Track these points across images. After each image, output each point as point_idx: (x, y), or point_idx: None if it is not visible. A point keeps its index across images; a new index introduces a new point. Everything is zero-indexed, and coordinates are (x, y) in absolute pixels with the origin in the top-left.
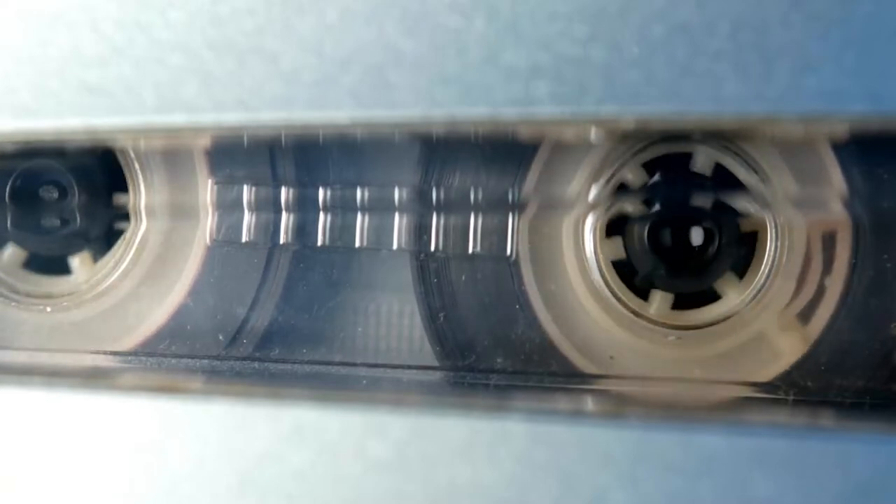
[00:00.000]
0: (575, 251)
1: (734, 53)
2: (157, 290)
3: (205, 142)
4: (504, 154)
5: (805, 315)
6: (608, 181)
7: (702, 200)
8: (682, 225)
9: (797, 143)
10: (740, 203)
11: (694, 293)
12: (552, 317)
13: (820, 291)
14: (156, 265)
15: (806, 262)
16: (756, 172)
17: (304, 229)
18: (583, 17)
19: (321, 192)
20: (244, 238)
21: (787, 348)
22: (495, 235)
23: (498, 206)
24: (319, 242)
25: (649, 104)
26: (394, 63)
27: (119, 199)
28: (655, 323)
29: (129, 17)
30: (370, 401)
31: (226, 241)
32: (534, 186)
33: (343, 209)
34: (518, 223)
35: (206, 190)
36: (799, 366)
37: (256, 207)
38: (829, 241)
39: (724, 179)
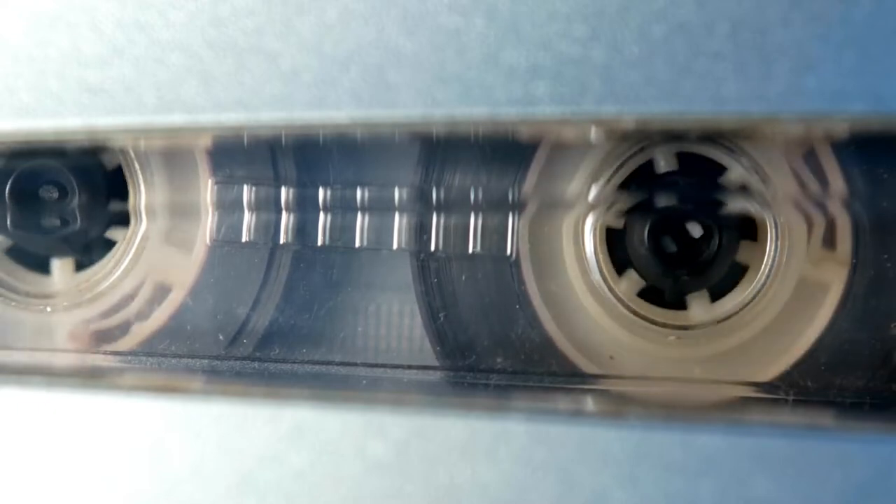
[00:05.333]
0: (575, 251)
1: (734, 53)
2: (157, 289)
3: (205, 142)
4: (504, 154)
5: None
6: (608, 181)
7: (700, 201)
8: (684, 228)
9: (797, 142)
10: (740, 203)
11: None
12: (552, 316)
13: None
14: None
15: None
16: (756, 172)
17: (304, 229)
18: (583, 17)
19: (321, 192)
20: (244, 238)
21: (831, 279)
22: (495, 235)
23: (498, 206)
24: (320, 242)
25: (649, 104)
26: (394, 63)
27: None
28: (655, 323)
29: (129, 17)
30: (370, 401)
31: (226, 240)
32: (534, 186)
33: (343, 209)
34: (518, 223)
35: (207, 190)
36: (799, 366)
37: (257, 207)
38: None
39: (723, 179)
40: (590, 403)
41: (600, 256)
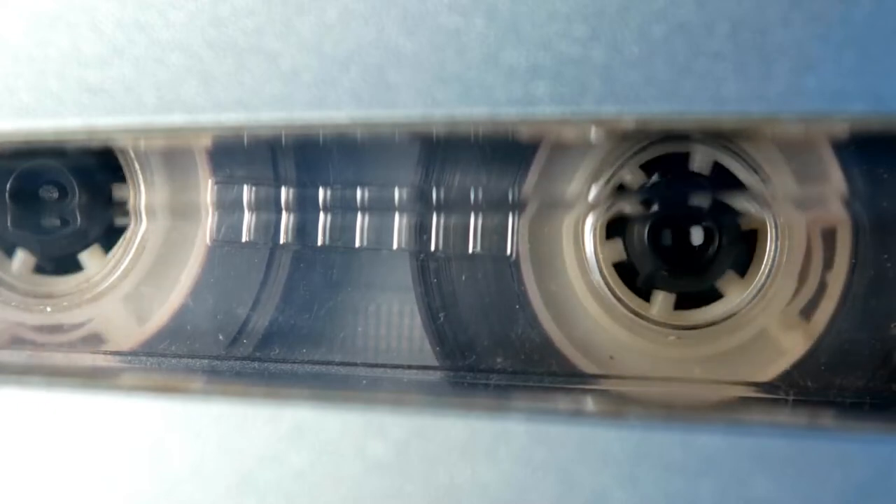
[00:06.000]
0: (575, 251)
1: (734, 53)
2: (157, 290)
3: (205, 142)
4: (504, 154)
5: (806, 314)
6: (608, 181)
7: (701, 200)
8: (681, 225)
9: (797, 142)
10: (740, 203)
11: (694, 293)
12: (552, 317)
13: (820, 291)
14: (156, 265)
15: (806, 262)
16: (756, 172)
17: (304, 229)
18: (583, 17)
19: (321, 192)
20: (244, 238)
21: (790, 345)
22: (495, 235)
23: (498, 206)
24: (320, 242)
25: (649, 104)
26: (394, 63)
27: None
28: (656, 323)
29: (129, 17)
30: (370, 401)
31: (226, 241)
32: (534, 186)
33: (343, 209)
34: (518, 223)
35: (207, 190)
36: (799, 366)
37: (257, 207)
38: (829, 240)
39: (723, 179)
40: (590, 403)
41: (600, 256)
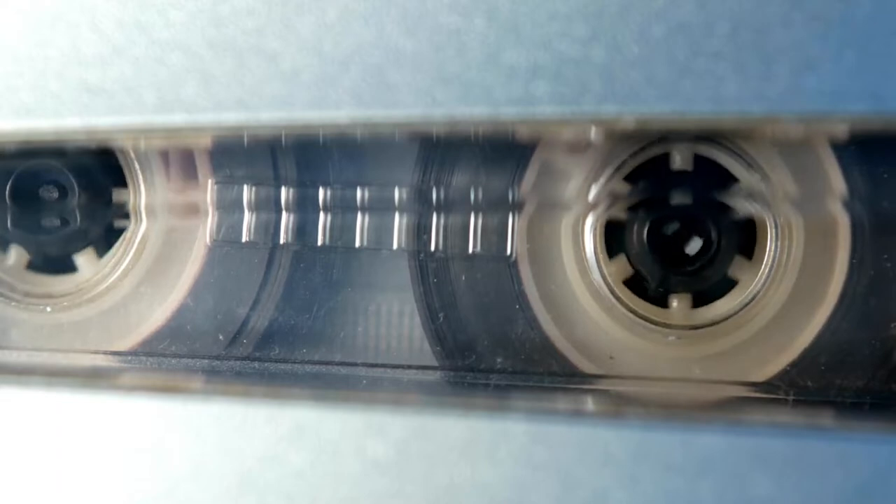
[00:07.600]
0: (574, 251)
1: (734, 53)
2: (157, 289)
3: (205, 142)
4: (503, 153)
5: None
6: (607, 181)
7: (700, 200)
8: (682, 226)
9: (797, 142)
10: (740, 203)
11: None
12: (552, 317)
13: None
14: (156, 265)
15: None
16: (756, 172)
17: (304, 229)
18: (583, 17)
19: (321, 192)
20: (244, 238)
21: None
22: (495, 235)
23: (497, 206)
24: (320, 242)
25: (649, 104)
26: (394, 63)
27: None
28: (655, 323)
29: (129, 17)
30: (370, 401)
31: (226, 240)
32: (533, 186)
33: (343, 209)
34: (517, 223)
35: (207, 190)
36: (799, 365)
37: (257, 207)
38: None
39: (723, 179)
40: (590, 403)
41: (600, 256)
